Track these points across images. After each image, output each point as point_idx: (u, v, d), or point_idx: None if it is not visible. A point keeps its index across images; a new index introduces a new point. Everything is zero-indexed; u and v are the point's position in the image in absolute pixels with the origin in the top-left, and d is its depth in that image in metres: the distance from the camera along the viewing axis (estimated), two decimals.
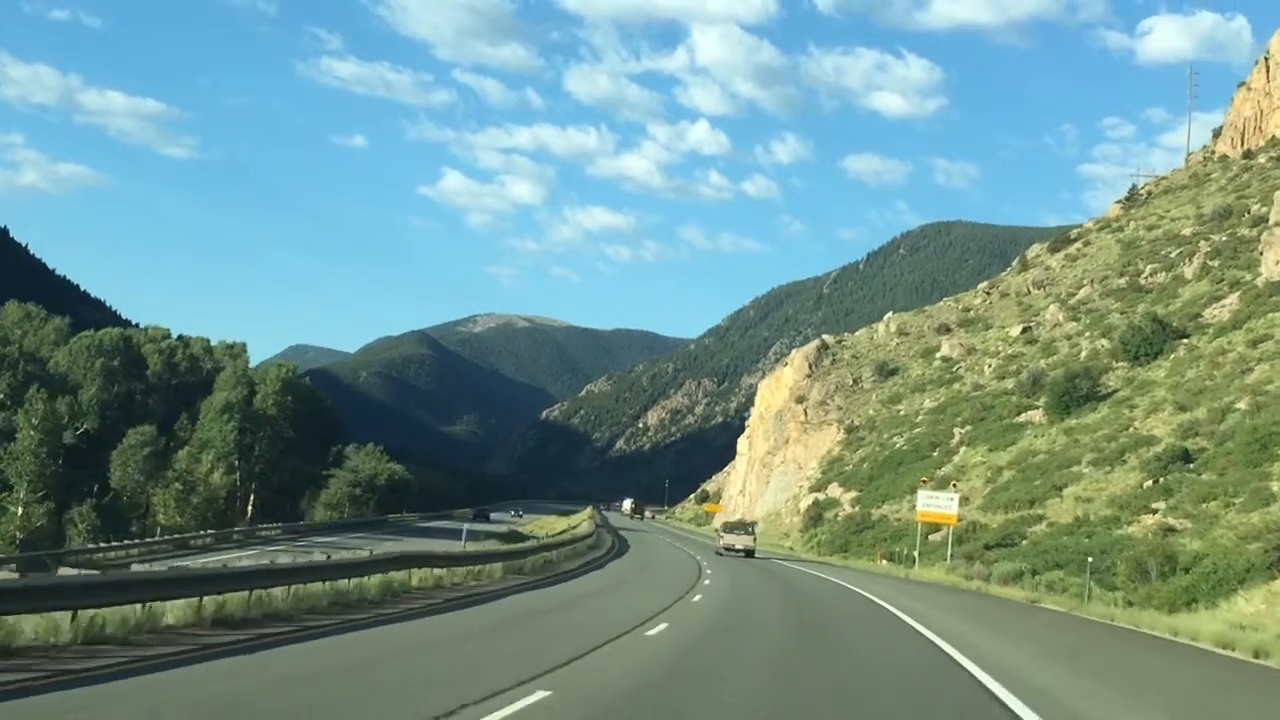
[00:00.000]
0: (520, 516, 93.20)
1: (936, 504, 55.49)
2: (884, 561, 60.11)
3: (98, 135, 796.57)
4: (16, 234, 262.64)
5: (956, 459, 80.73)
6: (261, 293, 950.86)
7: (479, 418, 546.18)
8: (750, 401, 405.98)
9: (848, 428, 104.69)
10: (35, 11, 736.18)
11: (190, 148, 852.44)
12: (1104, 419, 70.75)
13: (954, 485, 62.17)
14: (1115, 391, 76.47)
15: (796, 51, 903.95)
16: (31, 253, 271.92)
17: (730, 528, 72.00)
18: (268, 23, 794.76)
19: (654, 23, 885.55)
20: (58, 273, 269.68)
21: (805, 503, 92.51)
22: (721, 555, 62.58)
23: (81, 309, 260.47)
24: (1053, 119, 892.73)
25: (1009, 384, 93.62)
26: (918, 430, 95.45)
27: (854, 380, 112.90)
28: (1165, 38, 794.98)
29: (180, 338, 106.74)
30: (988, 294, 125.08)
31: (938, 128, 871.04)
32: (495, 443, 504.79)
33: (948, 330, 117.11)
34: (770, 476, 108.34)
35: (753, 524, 77.51)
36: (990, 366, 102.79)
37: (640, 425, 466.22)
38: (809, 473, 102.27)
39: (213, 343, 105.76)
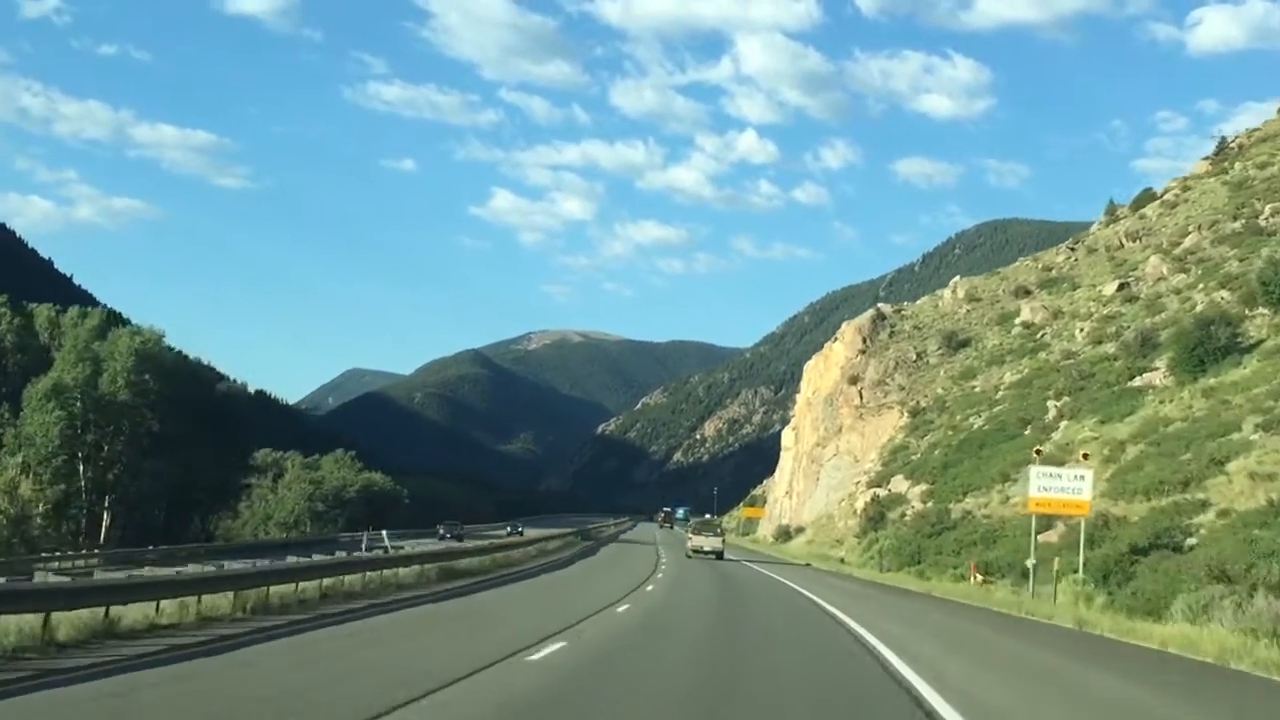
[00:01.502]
0: (520, 533, 73.08)
1: (1058, 487, 34.81)
2: (980, 579, 39.44)
3: (150, 168, 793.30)
4: (62, 265, 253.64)
5: (1056, 436, 60.39)
6: (316, 319, 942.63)
7: (535, 435, 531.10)
8: None
9: (912, 410, 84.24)
10: (84, 48, 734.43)
11: (242, 177, 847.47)
12: (1258, 373, 52.00)
13: (1083, 457, 41.07)
14: (1262, 341, 57.36)
15: (842, 57, 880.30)
16: (76, 283, 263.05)
17: (699, 528, 70.24)
18: (313, 49, 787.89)
19: (697, 34, 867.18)
20: (103, 302, 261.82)
21: (862, 501, 72.18)
22: (690, 558, 59.64)
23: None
24: (1103, 115, 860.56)
25: (1109, 348, 74.21)
26: (999, 408, 75.35)
27: (917, 355, 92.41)
28: (1216, 27, 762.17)
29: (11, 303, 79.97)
30: (1072, 250, 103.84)
31: (987, 128, 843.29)
32: (552, 459, 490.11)
33: (1027, 293, 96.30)
34: (820, 472, 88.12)
35: (719, 524, 78.34)
36: (1082, 330, 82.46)
37: (697, 437, 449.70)
38: (867, 465, 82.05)
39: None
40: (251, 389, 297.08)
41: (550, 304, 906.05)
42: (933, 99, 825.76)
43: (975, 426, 74.23)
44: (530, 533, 72.86)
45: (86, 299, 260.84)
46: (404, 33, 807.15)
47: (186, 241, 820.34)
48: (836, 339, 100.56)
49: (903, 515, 63.48)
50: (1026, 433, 64.81)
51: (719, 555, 61.78)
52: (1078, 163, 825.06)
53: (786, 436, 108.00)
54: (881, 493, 71.67)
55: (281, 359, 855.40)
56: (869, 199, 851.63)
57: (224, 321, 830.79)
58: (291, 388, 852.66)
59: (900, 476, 73.03)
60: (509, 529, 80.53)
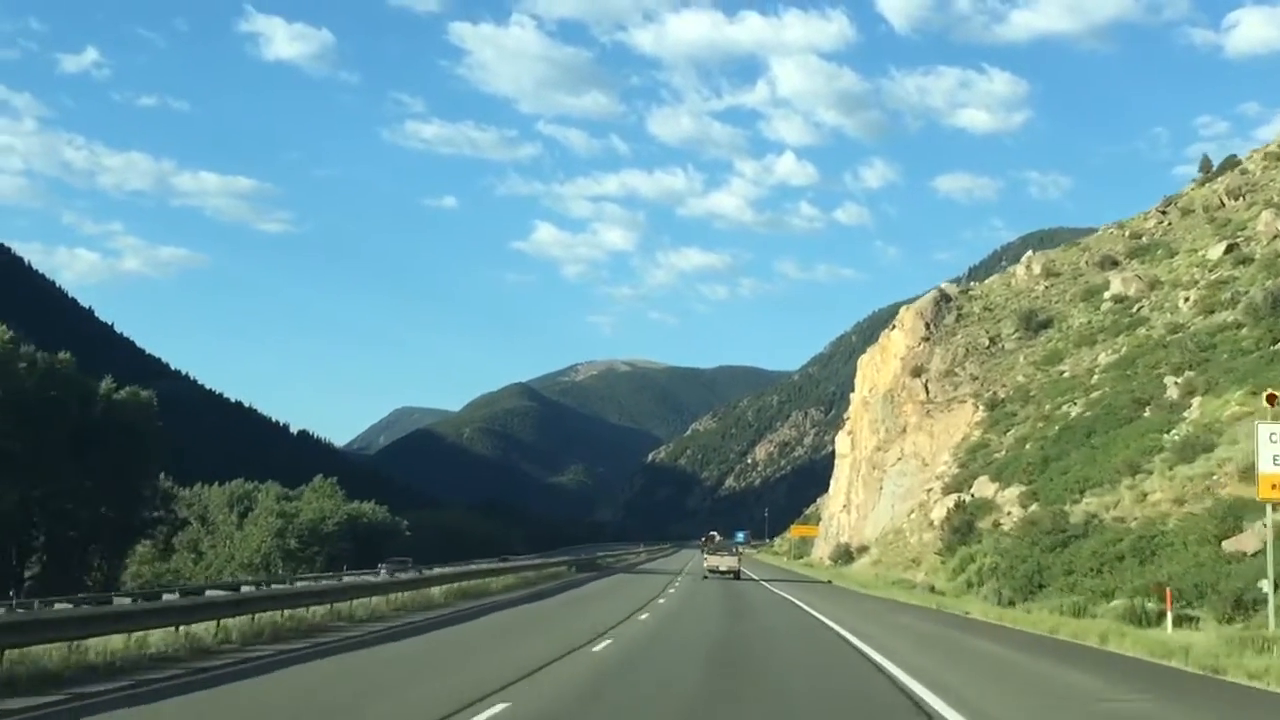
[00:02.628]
0: (402, 574, 56.81)
1: None
2: (1168, 610, 24.35)
3: (194, 216, 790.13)
4: (108, 316, 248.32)
5: (1190, 414, 45.48)
6: (365, 359, 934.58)
7: (586, 466, 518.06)
8: None
9: (989, 402, 69.27)
10: (124, 100, 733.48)
11: (285, 222, 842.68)
12: None
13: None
14: None
15: (877, 75, 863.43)
16: (118, 330, 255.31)
17: (715, 549, 65.47)
18: (351, 91, 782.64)
19: (731, 59, 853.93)
20: (145, 350, 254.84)
21: (940, 510, 57.20)
22: (707, 578, 56.27)
23: (159, 382, 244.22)
24: (1143, 122, 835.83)
25: (1227, 316, 59.53)
26: (1098, 393, 60.37)
27: (990, 339, 77.34)
28: (1253, 29, 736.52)
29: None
30: (1163, 214, 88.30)
31: (1026, 140, 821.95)
32: (603, 490, 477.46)
33: (1114, 264, 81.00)
34: (883, 480, 73.13)
35: (735, 543, 74.10)
36: (1188, 299, 67.30)
37: (749, 461, 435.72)
38: (939, 469, 67.20)
39: None
40: (294, 430, 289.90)
41: (596, 335, 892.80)
42: (970, 113, 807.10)
43: (1072, 415, 59.29)
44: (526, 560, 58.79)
45: (127, 345, 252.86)
46: (440, 71, 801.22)
47: (233, 288, 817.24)
48: (894, 327, 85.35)
49: (996, 525, 48.46)
50: (1146, 414, 49.93)
51: (736, 575, 57.80)
52: (1120, 170, 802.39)
53: (841, 442, 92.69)
54: (964, 497, 56.62)
55: (332, 401, 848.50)
56: (910, 217, 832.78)
57: (273, 367, 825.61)
58: (343, 429, 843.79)
59: (985, 479, 57.97)
60: (384, 568, 51.74)
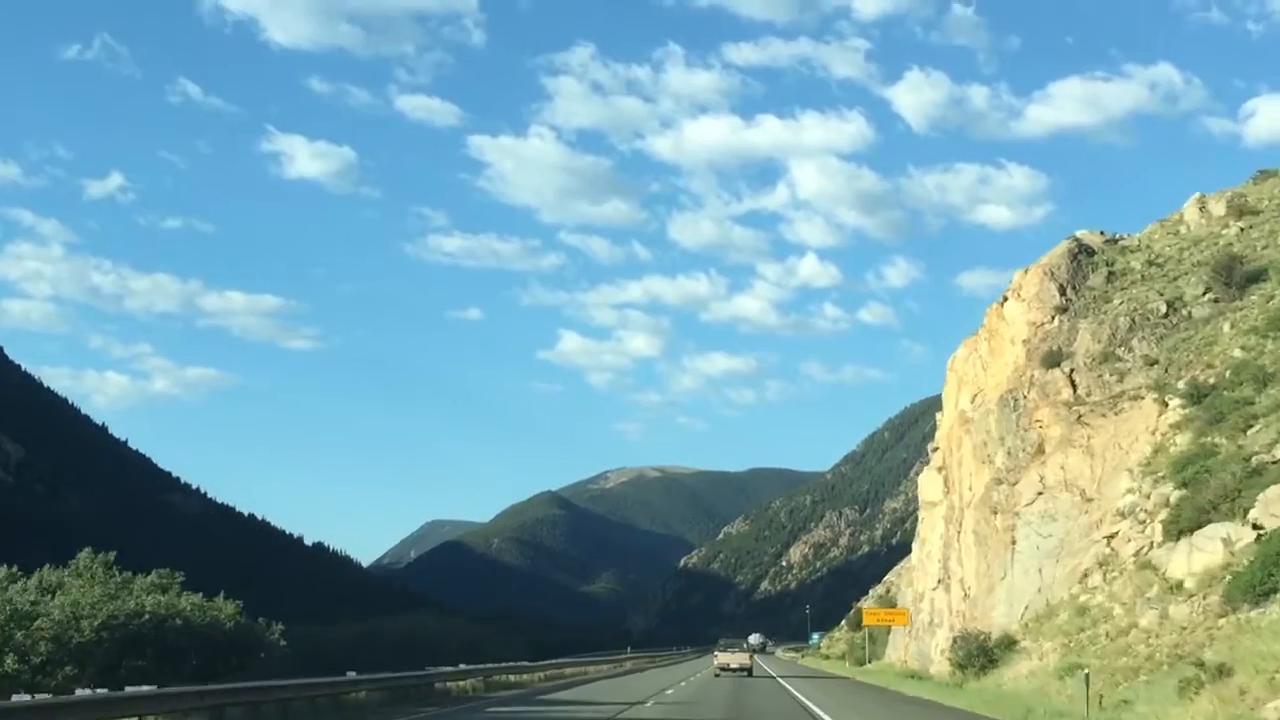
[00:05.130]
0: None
1: None
2: None
3: (221, 336, 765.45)
4: (140, 441, 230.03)
5: None
6: (394, 473, 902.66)
7: (617, 573, 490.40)
8: (901, 527, 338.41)
9: (1188, 391, 39.47)
10: (149, 223, 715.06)
11: (311, 338, 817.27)
12: None
13: None
14: None
15: (896, 174, 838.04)
16: (131, 446, 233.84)
17: (726, 646, 62.16)
18: (373, 207, 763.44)
19: (750, 163, 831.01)
20: (161, 465, 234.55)
21: (1143, 575, 26.88)
22: (719, 676, 53.84)
23: (170, 495, 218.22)
24: (1163, 210, 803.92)
25: None
26: None
27: (1168, 304, 47.31)
28: (1271, 117, 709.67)
29: None
30: None
31: (1046, 235, 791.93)
32: (636, 597, 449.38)
33: None
34: (1015, 531, 42.43)
35: (744, 639, 69.36)
36: None
37: (783, 563, 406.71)
38: (1122, 498, 37.17)
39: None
40: (309, 542, 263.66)
41: (624, 442, 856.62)
42: (990, 209, 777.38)
43: None
44: None
45: (142, 462, 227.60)
46: (460, 184, 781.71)
47: (261, 405, 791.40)
48: (1007, 298, 54.55)
49: None
50: None
51: (749, 672, 56.11)
52: None
53: (927, 485, 60.65)
54: (1229, 532, 26.48)
55: (362, 517, 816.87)
56: (935, 314, 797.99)
57: (301, 483, 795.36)
58: (373, 545, 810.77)
59: (1225, 519, 27.73)
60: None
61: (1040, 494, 43.19)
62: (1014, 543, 43.06)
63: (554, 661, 61.42)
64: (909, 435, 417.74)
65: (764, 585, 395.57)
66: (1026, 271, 53.62)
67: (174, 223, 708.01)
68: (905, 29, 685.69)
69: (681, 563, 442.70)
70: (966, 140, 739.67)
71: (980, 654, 37.11)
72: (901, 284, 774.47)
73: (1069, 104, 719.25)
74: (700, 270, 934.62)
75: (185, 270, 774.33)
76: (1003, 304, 54.35)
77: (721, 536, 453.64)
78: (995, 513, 45.57)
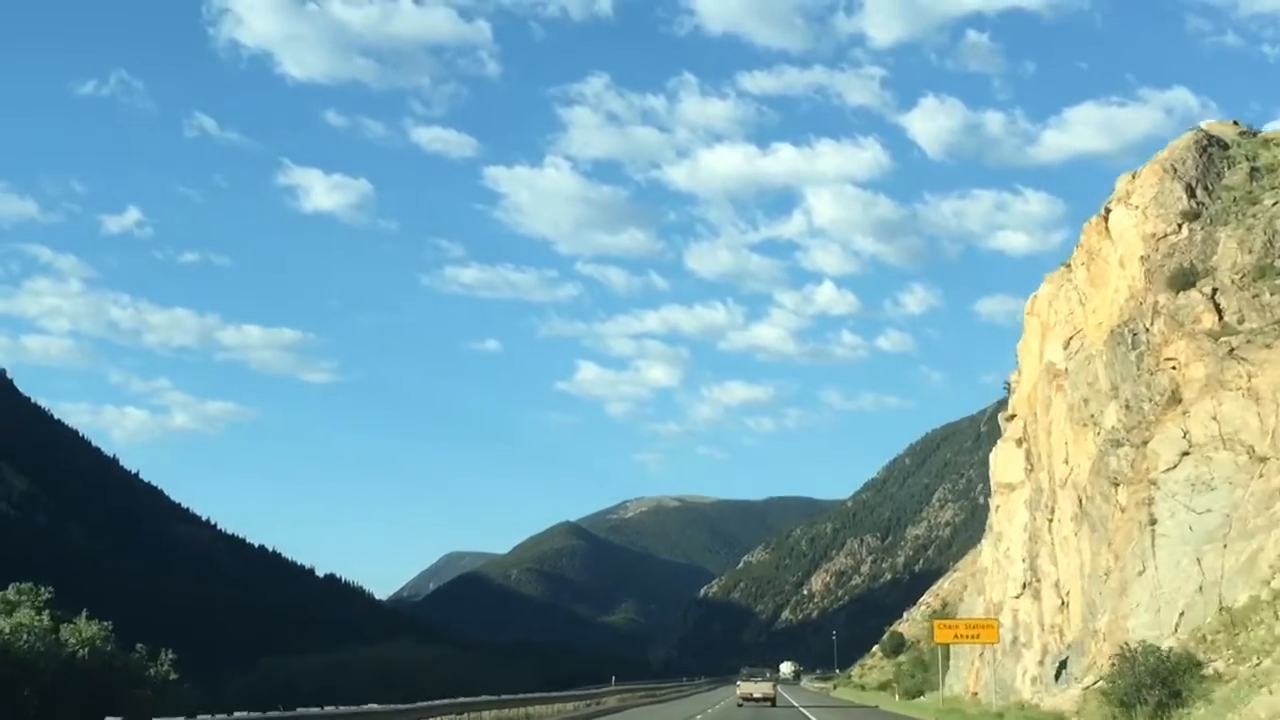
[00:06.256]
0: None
1: None
2: None
3: (239, 370, 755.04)
4: (157, 475, 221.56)
5: None
6: (412, 506, 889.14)
7: (637, 604, 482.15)
8: (924, 554, 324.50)
9: None
10: (166, 258, 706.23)
11: (329, 371, 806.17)
12: None
13: None
14: None
15: (913, 201, 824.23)
16: (142, 479, 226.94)
17: (749, 675, 59.58)
18: (390, 239, 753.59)
19: (766, 191, 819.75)
20: (173, 498, 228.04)
21: None
22: (741, 705, 53.38)
23: (178, 526, 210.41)
24: None
25: None
26: None
27: None
28: None
29: None
30: None
31: (1064, 261, 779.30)
32: (656, 627, 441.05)
33: None
34: (1152, 507, 30.25)
35: (765, 669, 63.99)
36: None
37: (805, 592, 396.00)
38: None
39: None
40: (320, 573, 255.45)
41: (643, 472, 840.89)
42: (1007, 235, 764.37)
43: None
44: None
45: (153, 494, 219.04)
46: (476, 215, 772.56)
47: (280, 438, 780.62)
48: (1110, 209, 41.61)
49: None
50: None
51: (772, 702, 55.15)
52: None
53: (1003, 464, 47.16)
54: None
55: (380, 549, 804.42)
56: (953, 341, 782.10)
57: (320, 516, 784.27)
58: (392, 577, 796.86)
59: None
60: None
61: (1185, 454, 31.02)
62: (1153, 523, 30.74)
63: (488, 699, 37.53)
64: (930, 461, 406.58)
65: (785, 614, 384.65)
66: (1135, 175, 41.42)
67: (191, 257, 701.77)
68: (920, 56, 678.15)
69: (702, 592, 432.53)
70: (983, 167, 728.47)
71: (1157, 684, 23.85)
72: (919, 311, 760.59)
73: (1085, 129, 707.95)
74: (717, 299, 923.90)
75: (203, 304, 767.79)
76: (1106, 217, 42.11)
77: (742, 565, 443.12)
78: (1116, 485, 33.33)
